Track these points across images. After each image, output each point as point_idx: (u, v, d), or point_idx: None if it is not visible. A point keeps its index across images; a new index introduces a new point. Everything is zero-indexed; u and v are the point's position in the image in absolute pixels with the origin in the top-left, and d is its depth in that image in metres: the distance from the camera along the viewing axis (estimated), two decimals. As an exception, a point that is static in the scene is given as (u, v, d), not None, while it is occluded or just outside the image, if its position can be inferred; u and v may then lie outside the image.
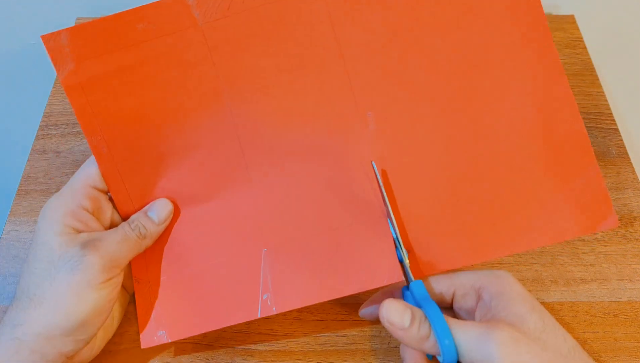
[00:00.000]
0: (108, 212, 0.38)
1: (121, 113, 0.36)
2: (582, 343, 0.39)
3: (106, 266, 0.34)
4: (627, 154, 0.50)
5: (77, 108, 0.36)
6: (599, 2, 0.62)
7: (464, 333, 0.30)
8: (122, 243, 0.35)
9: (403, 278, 0.34)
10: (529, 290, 0.41)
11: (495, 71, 0.36)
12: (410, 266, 0.34)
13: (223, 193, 0.38)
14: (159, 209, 0.37)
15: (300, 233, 0.37)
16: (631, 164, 0.49)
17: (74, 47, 0.35)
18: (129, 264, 0.38)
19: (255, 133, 0.37)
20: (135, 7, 0.35)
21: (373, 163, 0.36)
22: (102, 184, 0.37)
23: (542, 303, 0.33)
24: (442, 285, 0.35)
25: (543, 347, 0.30)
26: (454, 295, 0.35)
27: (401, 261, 0.35)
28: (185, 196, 0.38)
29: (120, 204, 0.38)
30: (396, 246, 0.35)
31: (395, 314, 0.31)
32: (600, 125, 0.52)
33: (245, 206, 0.38)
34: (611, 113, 0.52)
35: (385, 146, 0.37)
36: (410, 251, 0.36)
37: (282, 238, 0.37)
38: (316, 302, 0.36)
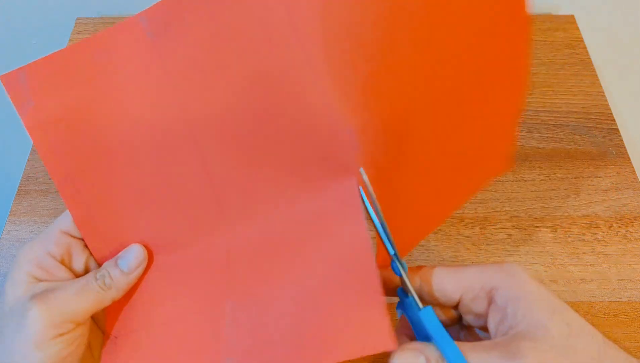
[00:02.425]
0: (82, 259, 0.34)
1: (90, 152, 0.33)
2: (582, 343, 0.40)
3: (54, 321, 0.30)
4: (627, 154, 0.50)
5: (42, 149, 0.33)
6: (599, 2, 0.62)
7: None
8: (79, 294, 0.31)
9: (396, 347, 0.29)
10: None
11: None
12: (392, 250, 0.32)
13: (195, 237, 0.35)
14: (129, 258, 0.34)
15: (274, 286, 0.32)
16: (631, 164, 0.49)
17: (32, 84, 0.33)
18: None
19: (227, 166, 0.34)
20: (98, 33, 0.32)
21: (362, 169, 0.32)
22: (76, 231, 0.34)
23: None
24: (447, 288, 0.31)
25: (570, 356, 0.27)
26: (460, 298, 0.31)
27: (400, 276, 0.32)
28: (161, 242, 0.35)
29: (95, 251, 0.35)
30: (392, 260, 0.32)
31: None
32: (600, 125, 0.52)
33: (215, 252, 0.34)
34: (611, 113, 0.52)
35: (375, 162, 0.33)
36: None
37: (252, 290, 0.33)
38: None
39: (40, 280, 0.32)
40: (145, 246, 0.35)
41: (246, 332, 0.32)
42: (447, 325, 0.33)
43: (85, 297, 0.31)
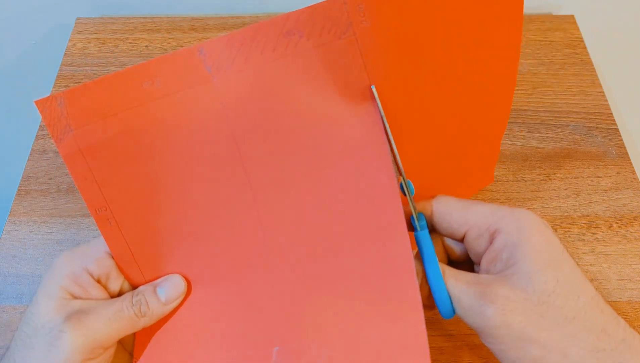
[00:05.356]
0: (118, 281, 0.34)
1: (128, 181, 0.32)
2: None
3: (87, 346, 0.29)
4: (627, 154, 0.50)
5: (78, 177, 0.32)
6: (599, 2, 0.62)
7: (459, 295, 0.29)
8: (113, 320, 0.31)
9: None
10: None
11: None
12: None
13: (238, 276, 0.34)
14: (169, 288, 0.33)
15: (320, 335, 0.33)
16: (631, 164, 0.49)
17: (72, 112, 0.31)
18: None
19: (278, 210, 0.33)
20: (142, 62, 0.31)
21: (373, 87, 0.31)
22: None
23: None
24: (453, 221, 0.32)
25: (543, 313, 0.27)
26: (466, 234, 0.31)
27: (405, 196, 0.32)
28: (200, 275, 0.35)
29: (130, 279, 0.34)
30: (401, 184, 0.32)
31: None
32: (600, 125, 0.52)
33: (260, 295, 0.34)
34: (611, 113, 0.52)
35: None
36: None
37: (298, 337, 0.33)
38: None
39: (75, 297, 0.31)
40: (185, 277, 0.34)
41: None
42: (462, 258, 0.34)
43: (119, 323, 0.31)
